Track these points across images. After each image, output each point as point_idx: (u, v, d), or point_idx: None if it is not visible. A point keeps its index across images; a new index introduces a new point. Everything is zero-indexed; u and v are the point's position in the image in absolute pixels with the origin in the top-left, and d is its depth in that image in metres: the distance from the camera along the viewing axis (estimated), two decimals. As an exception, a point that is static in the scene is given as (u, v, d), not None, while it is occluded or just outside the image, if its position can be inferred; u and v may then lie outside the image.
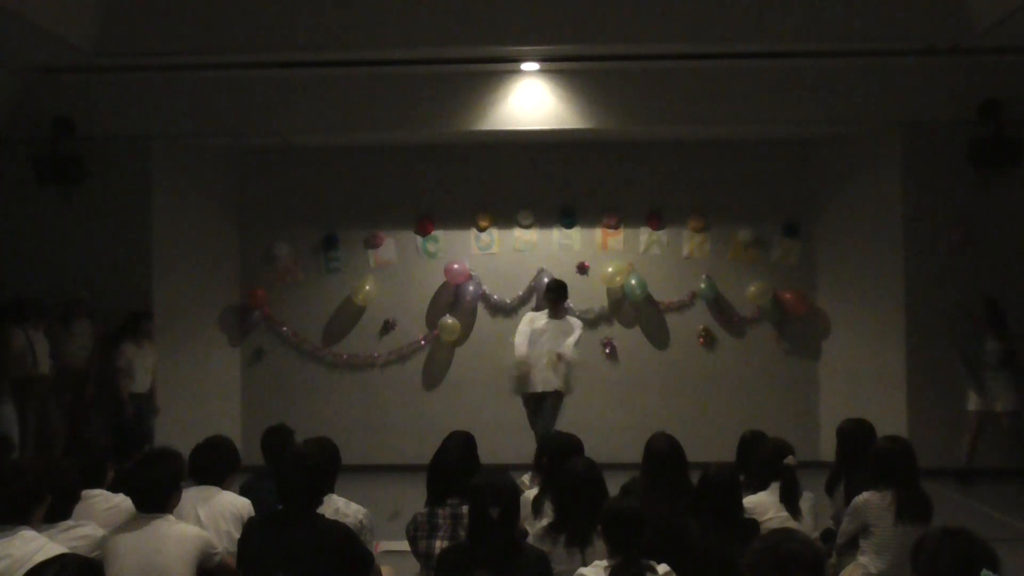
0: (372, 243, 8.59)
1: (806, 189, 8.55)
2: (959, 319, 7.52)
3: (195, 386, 8.19)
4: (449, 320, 8.39)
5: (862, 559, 3.78)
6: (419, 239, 8.61)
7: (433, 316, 8.54)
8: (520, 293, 8.53)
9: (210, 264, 8.41)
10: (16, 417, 6.83)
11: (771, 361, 8.48)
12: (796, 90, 7.64)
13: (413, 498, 4.41)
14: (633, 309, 8.53)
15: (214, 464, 3.84)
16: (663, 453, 3.85)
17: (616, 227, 8.57)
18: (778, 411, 8.21)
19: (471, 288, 8.48)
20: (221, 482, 3.82)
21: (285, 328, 8.58)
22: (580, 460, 3.53)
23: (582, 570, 2.92)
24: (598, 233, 8.58)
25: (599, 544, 3.20)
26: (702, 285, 8.42)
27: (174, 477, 3.33)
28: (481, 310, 8.59)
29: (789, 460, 3.96)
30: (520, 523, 3.39)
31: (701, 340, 8.47)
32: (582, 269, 8.53)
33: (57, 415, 7.33)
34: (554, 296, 7.19)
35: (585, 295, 8.52)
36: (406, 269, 8.62)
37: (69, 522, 3.29)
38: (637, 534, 2.91)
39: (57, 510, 3.23)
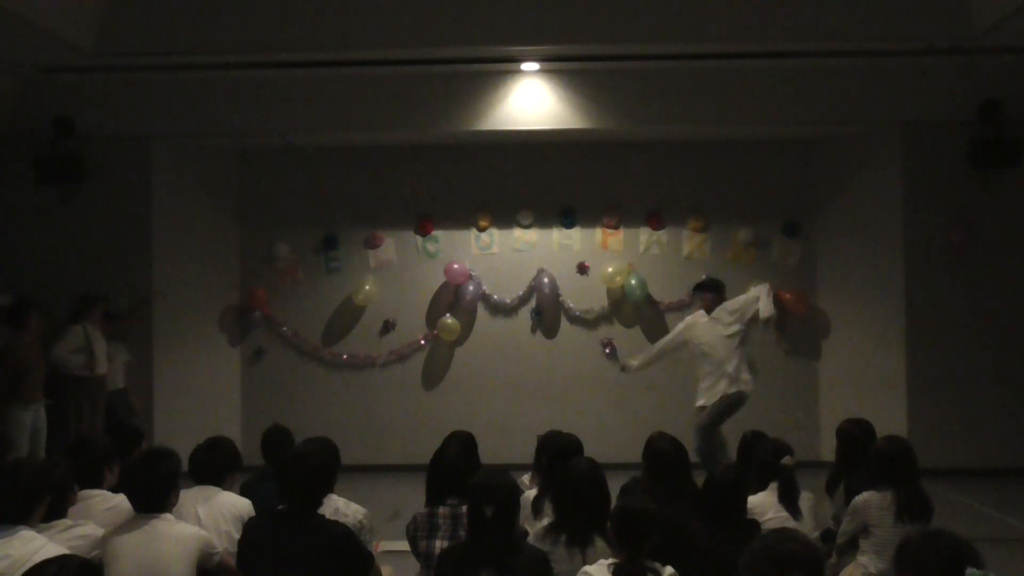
0: (372, 243, 8.59)
1: (806, 189, 8.55)
2: None
3: (195, 386, 8.19)
4: (449, 320, 8.39)
5: (862, 559, 3.79)
6: (419, 239, 8.62)
7: (433, 316, 8.54)
8: (520, 293, 8.53)
9: (210, 264, 8.41)
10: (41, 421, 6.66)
11: (771, 361, 8.47)
12: (796, 90, 7.64)
13: (413, 498, 4.42)
14: (633, 309, 8.53)
15: (214, 464, 3.84)
16: (666, 453, 3.85)
17: (616, 227, 8.57)
18: (778, 411, 8.20)
19: (471, 288, 8.47)
20: (221, 482, 3.82)
21: (285, 328, 8.58)
22: (582, 460, 3.53)
23: (587, 568, 2.92)
24: (598, 233, 8.58)
25: (600, 544, 3.20)
26: (702, 285, 8.42)
27: (170, 477, 3.32)
28: (481, 310, 8.58)
29: (787, 461, 3.96)
30: (520, 523, 3.39)
31: (701, 340, 8.47)
32: (582, 269, 8.53)
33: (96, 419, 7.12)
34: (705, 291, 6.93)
35: (585, 295, 8.52)
36: (406, 269, 8.62)
37: (67, 521, 3.29)
38: (647, 535, 2.92)
39: (52, 509, 3.23)
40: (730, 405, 6.74)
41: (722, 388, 6.73)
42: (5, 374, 6.52)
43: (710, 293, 6.94)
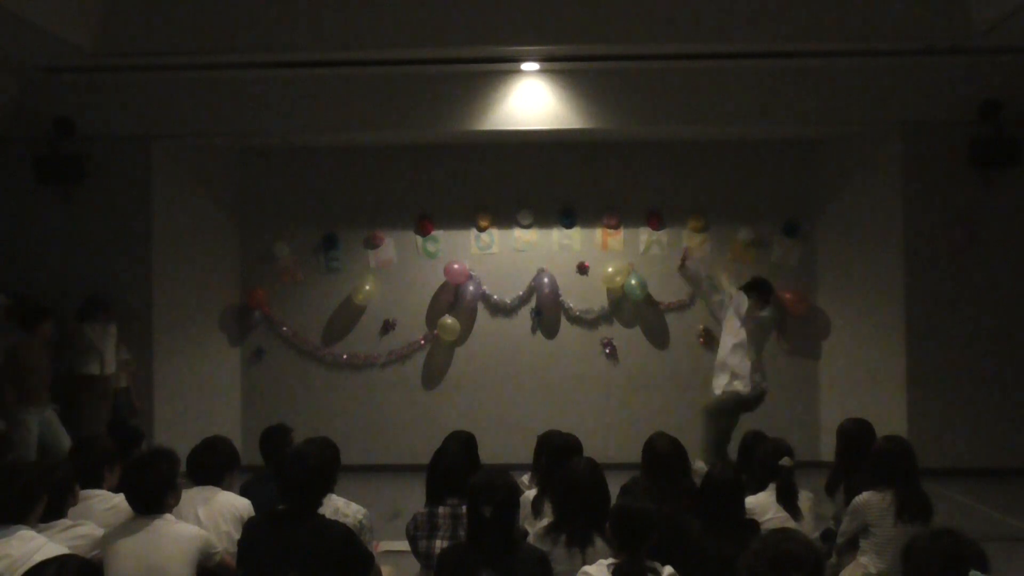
0: (372, 243, 8.59)
1: (806, 189, 8.55)
2: None
3: (195, 386, 8.19)
4: (449, 320, 8.38)
5: (862, 559, 3.79)
6: (419, 239, 8.62)
7: (433, 316, 8.54)
8: (520, 293, 8.52)
9: (210, 264, 8.41)
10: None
11: (771, 361, 8.45)
12: (796, 90, 7.63)
13: (413, 498, 4.42)
14: (633, 309, 8.53)
15: (212, 465, 3.84)
16: (665, 453, 3.86)
17: (616, 227, 8.57)
18: (778, 411, 8.19)
19: (471, 288, 8.47)
20: (220, 482, 3.82)
21: (285, 328, 8.58)
22: (582, 460, 3.53)
23: (586, 568, 2.92)
24: (598, 233, 8.58)
25: (600, 544, 3.20)
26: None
27: (167, 478, 3.31)
28: (481, 310, 8.58)
29: (785, 461, 3.96)
30: (520, 523, 3.39)
31: (701, 340, 8.47)
32: (582, 269, 8.53)
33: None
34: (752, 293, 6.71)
35: (585, 295, 8.52)
36: (406, 269, 8.62)
37: (67, 521, 3.29)
38: (645, 535, 2.92)
39: (52, 509, 3.23)
40: (726, 403, 6.63)
41: (721, 382, 6.66)
42: (11, 375, 6.53)
43: (748, 292, 6.75)
